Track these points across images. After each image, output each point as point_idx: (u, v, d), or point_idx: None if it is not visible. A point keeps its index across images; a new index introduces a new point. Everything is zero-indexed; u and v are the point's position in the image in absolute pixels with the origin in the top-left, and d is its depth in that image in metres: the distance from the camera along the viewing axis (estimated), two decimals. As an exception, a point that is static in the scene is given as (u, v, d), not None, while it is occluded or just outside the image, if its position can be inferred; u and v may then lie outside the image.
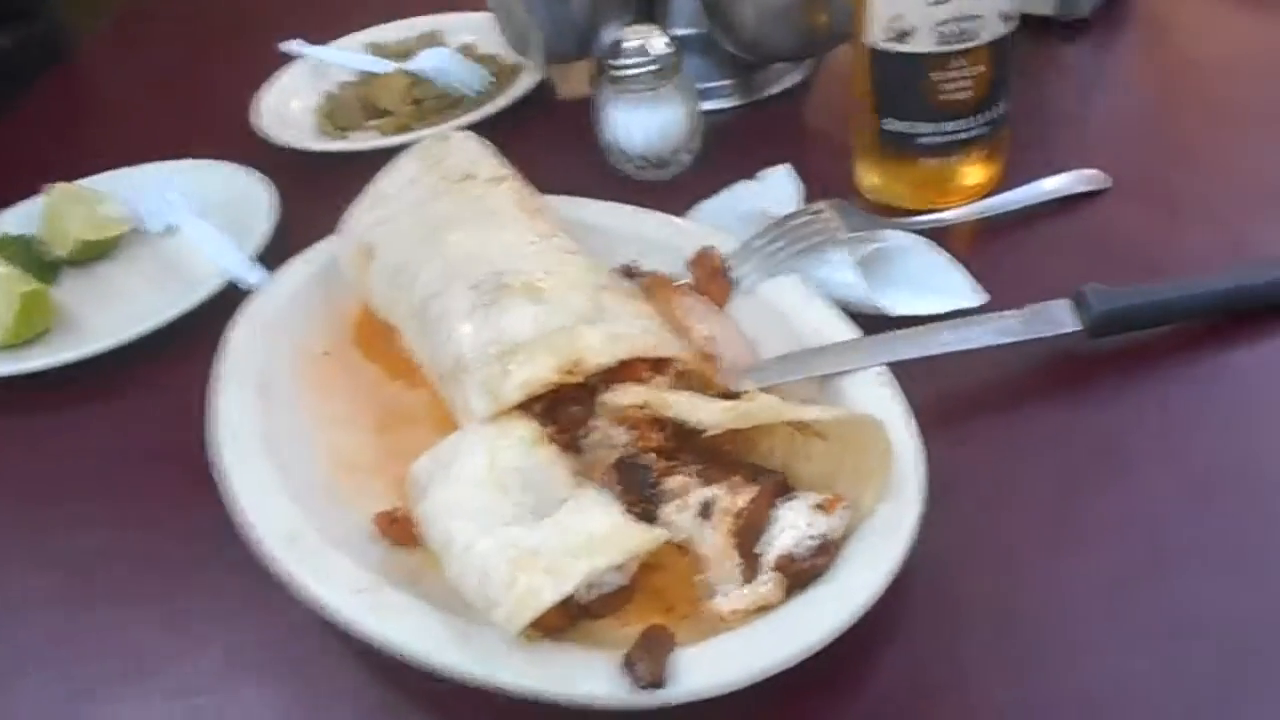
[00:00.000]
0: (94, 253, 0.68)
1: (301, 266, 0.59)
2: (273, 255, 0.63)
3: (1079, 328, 0.49)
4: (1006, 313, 0.49)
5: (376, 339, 0.55)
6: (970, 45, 0.55)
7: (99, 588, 0.48)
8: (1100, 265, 0.56)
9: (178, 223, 0.69)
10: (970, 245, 0.57)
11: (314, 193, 0.71)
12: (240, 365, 0.52)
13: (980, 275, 0.53)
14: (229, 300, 0.60)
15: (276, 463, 0.46)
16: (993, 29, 0.55)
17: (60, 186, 0.71)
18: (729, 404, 0.40)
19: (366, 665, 0.41)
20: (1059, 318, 0.49)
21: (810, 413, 0.39)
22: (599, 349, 0.43)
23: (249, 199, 0.69)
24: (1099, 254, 0.57)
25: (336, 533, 0.43)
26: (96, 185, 0.73)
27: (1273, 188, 0.60)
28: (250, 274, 0.62)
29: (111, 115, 0.91)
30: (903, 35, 0.55)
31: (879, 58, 0.57)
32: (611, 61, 0.64)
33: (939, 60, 0.55)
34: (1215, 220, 0.58)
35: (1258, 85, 0.70)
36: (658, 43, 0.64)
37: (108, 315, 0.63)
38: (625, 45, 0.64)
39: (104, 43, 1.08)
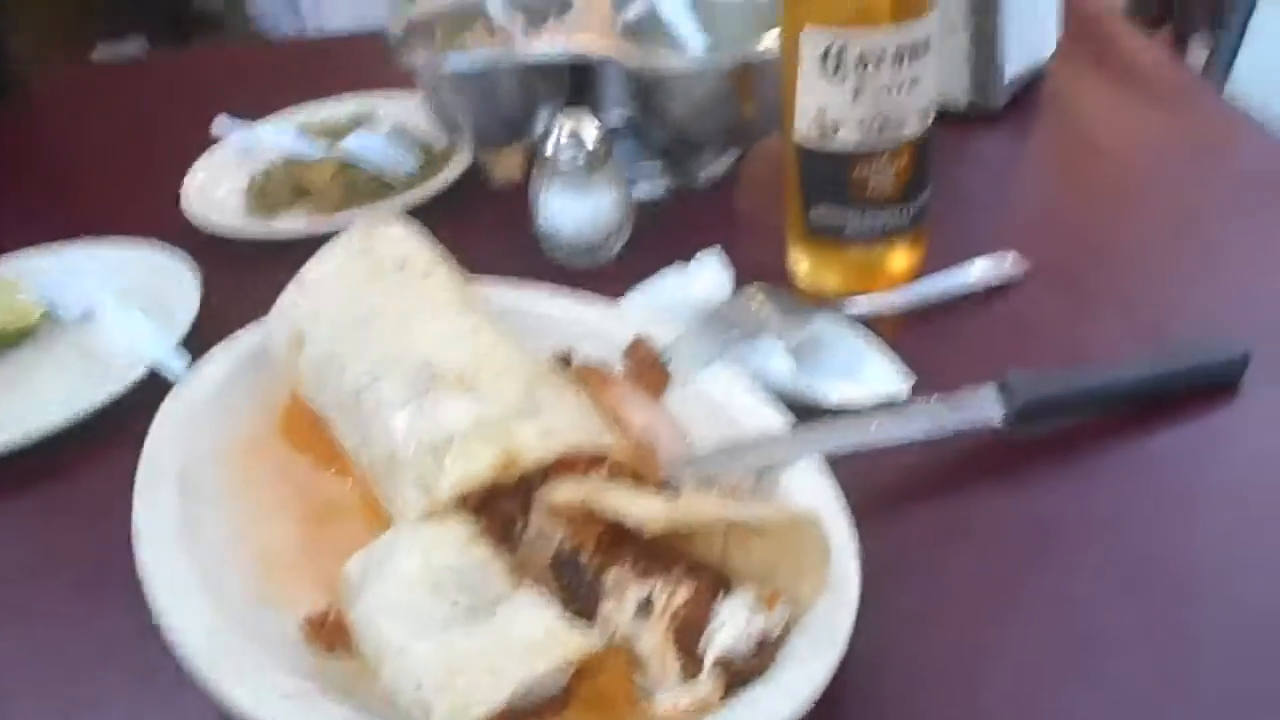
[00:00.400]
0: (6, 341, 0.66)
1: (225, 354, 0.58)
2: (197, 341, 0.62)
3: (1004, 416, 0.50)
4: (934, 401, 0.50)
5: (304, 428, 0.54)
6: (893, 141, 0.57)
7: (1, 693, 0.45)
8: (1021, 350, 0.58)
9: (96, 308, 0.67)
10: (897, 331, 0.59)
11: (240, 276, 0.70)
12: (161, 460, 0.50)
13: (907, 361, 0.55)
14: (150, 390, 0.59)
15: (198, 561, 0.45)
16: (913, 126, 0.57)
17: (-34, 274, 0.69)
18: (668, 504, 0.40)
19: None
20: (985, 406, 0.50)
21: (749, 512, 0.39)
22: (534, 445, 0.43)
23: (172, 282, 0.67)
24: (1019, 339, 0.59)
25: (264, 635, 0.42)
26: (7, 269, 0.71)
27: (1177, 275, 0.63)
28: (173, 362, 0.60)
29: (28, 191, 0.89)
30: (827, 132, 0.57)
31: (805, 153, 0.59)
32: (544, 149, 0.65)
33: (863, 156, 0.57)
34: (1127, 306, 0.61)
35: (1159, 175, 0.74)
36: (590, 130, 0.65)
37: (20, 406, 0.61)
38: (558, 133, 0.65)
39: (24, 109, 1.06)
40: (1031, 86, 0.83)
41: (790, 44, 0.57)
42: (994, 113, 0.79)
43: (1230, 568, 0.45)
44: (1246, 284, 0.62)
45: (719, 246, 0.63)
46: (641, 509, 0.40)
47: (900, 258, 0.62)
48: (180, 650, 0.41)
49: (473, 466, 0.42)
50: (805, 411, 0.51)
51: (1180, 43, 2.04)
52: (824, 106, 0.56)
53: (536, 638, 0.37)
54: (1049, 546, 0.47)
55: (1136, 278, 0.63)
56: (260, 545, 0.47)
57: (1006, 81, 0.79)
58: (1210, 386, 0.53)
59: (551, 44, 0.71)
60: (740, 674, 0.38)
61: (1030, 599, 0.44)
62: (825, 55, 0.55)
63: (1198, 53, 1.80)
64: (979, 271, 0.62)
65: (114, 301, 0.67)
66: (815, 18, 0.55)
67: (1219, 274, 0.63)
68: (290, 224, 0.75)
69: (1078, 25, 0.87)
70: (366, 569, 0.41)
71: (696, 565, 0.42)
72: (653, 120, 0.72)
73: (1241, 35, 0.94)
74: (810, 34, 0.55)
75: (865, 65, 0.55)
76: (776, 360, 0.53)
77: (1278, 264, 0.63)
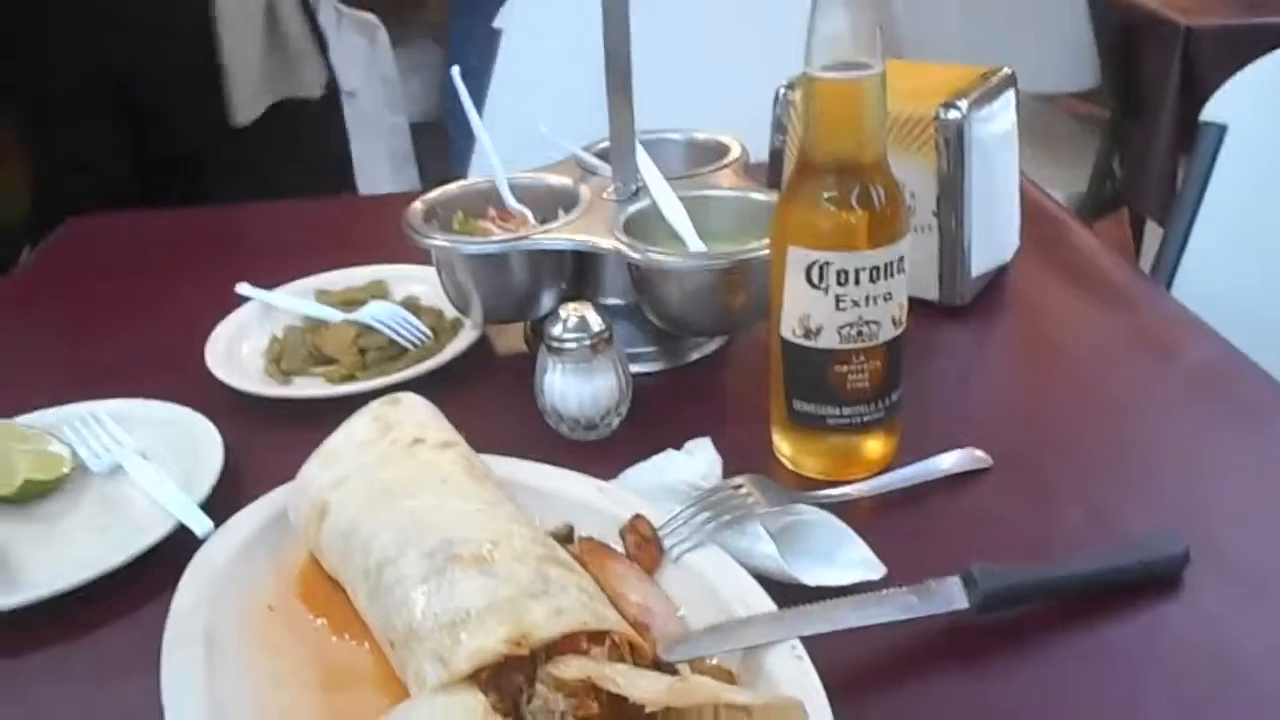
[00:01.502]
0: (36, 492, 0.69)
1: (250, 516, 0.62)
2: (219, 500, 0.66)
3: (968, 605, 0.55)
4: (904, 589, 0.55)
5: (321, 591, 0.58)
6: (868, 344, 0.63)
7: None
8: (985, 540, 0.63)
9: (123, 464, 0.71)
10: (870, 519, 0.64)
11: (260, 437, 0.75)
12: (187, 623, 0.54)
13: (879, 548, 0.60)
14: (174, 546, 0.62)
15: (224, 725, 0.48)
16: (887, 331, 0.64)
17: (2, 424, 0.73)
18: (668, 682, 0.44)
19: None
20: (950, 595, 0.55)
21: (743, 696, 0.44)
22: (544, 624, 0.47)
23: (196, 441, 0.72)
24: (983, 530, 0.64)
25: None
26: (38, 422, 0.75)
27: (1134, 470, 0.69)
28: (197, 522, 0.64)
29: (56, 343, 0.94)
30: (811, 333, 0.64)
31: (790, 349, 0.65)
32: (552, 333, 0.71)
33: (842, 355, 0.63)
34: (1084, 498, 0.66)
35: (1113, 371, 0.80)
36: (594, 318, 0.71)
37: (47, 559, 0.64)
38: (565, 319, 0.71)
39: (48, 261, 1.11)
40: (996, 282, 0.91)
41: (779, 255, 0.64)
42: (961, 308, 0.87)
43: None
44: (1190, 480, 0.67)
45: (709, 426, 0.69)
46: (643, 687, 0.44)
47: (875, 447, 0.67)
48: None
49: (488, 642, 0.46)
50: (786, 590, 0.56)
51: (1138, 223, 2.17)
52: (808, 312, 0.63)
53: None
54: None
55: (1093, 471, 0.69)
56: (279, 710, 0.51)
57: (973, 278, 0.87)
58: (1155, 579, 0.58)
59: (563, 235, 0.78)
60: None
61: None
62: (809, 269, 0.62)
63: (1154, 234, 1.92)
64: (947, 464, 0.67)
65: (140, 459, 0.71)
66: (800, 239, 0.62)
67: (1167, 468, 0.69)
68: (308, 388, 0.80)
69: (1036, 224, 0.95)
70: (385, 737, 0.45)
71: (689, 744, 0.46)
72: (650, 307, 0.78)
73: (1188, 231, 1.03)
74: (796, 252, 0.62)
75: (845, 280, 0.61)
76: (761, 544, 0.58)
77: (1216, 461, 0.69)
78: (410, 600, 0.50)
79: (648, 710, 0.45)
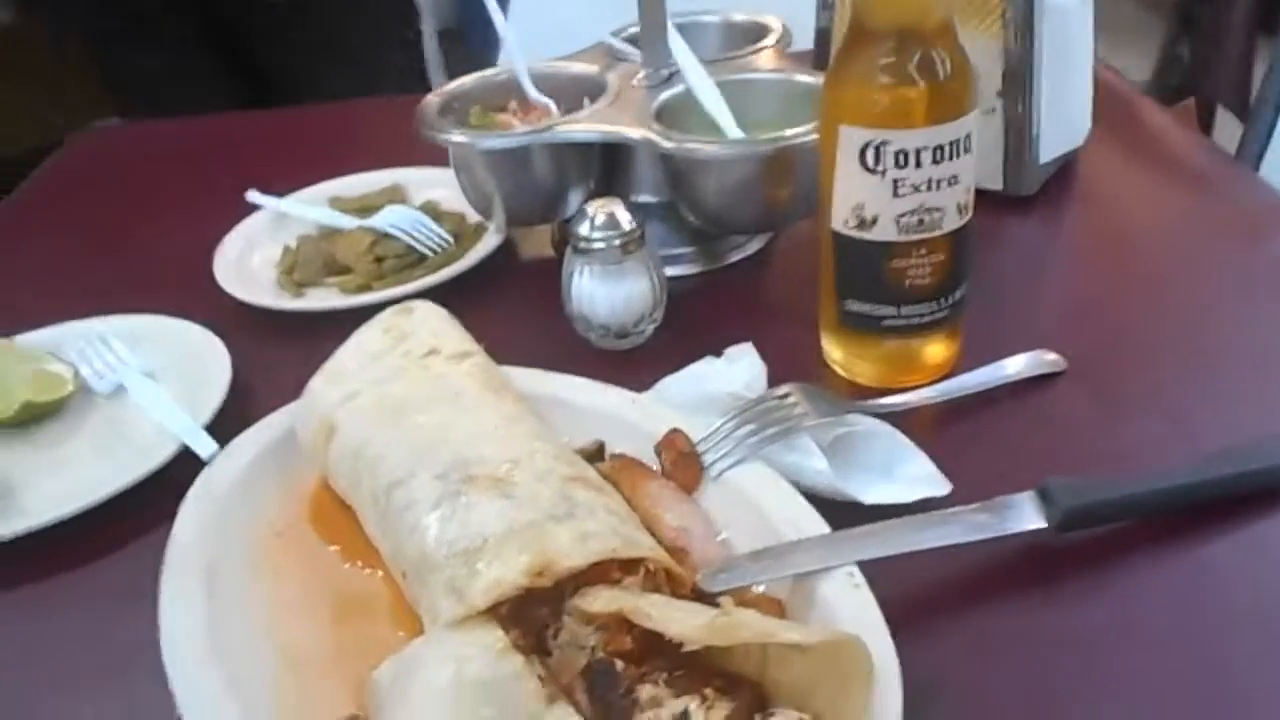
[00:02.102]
0: (37, 414, 0.66)
1: (255, 437, 0.58)
2: (226, 420, 0.62)
3: (1045, 524, 0.49)
4: (973, 507, 0.49)
5: (333, 516, 0.54)
6: (930, 235, 0.56)
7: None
8: (1060, 452, 0.57)
9: (126, 384, 0.67)
10: (933, 429, 0.58)
11: (271, 353, 0.70)
12: (188, 551, 0.50)
13: (943, 461, 0.54)
14: (180, 468, 0.58)
15: (224, 666, 0.44)
16: (951, 220, 0.57)
17: (0, 343, 0.69)
18: (709, 619, 0.39)
19: None
20: (1025, 513, 0.49)
21: (795, 634, 0.38)
22: (569, 551, 0.42)
23: (202, 359, 0.67)
24: (1057, 440, 0.58)
25: (288, 743, 0.41)
26: (39, 341, 0.71)
27: (1214, 373, 0.62)
28: (201, 443, 0.60)
29: (58, 261, 0.89)
30: (865, 224, 0.57)
31: (842, 242, 0.58)
32: (578, 233, 0.65)
33: (900, 248, 0.57)
34: (1167, 406, 0.59)
35: (1196, 264, 0.73)
36: (624, 216, 0.65)
37: (48, 484, 0.60)
38: (592, 217, 0.65)
39: (49, 180, 1.07)
40: (1064, 170, 0.83)
41: (828, 137, 0.57)
42: (1027, 198, 0.79)
43: (1283, 688, 0.44)
44: (1286, 383, 0.61)
45: (751, 334, 0.63)
46: (681, 623, 0.39)
47: (936, 351, 0.61)
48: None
49: (507, 573, 0.42)
50: (840, 509, 0.50)
51: (1206, 115, 2.04)
52: (862, 200, 0.56)
53: (572, 763, 0.36)
54: (1094, 662, 0.45)
55: (1176, 375, 0.62)
56: (286, 643, 0.47)
57: (1041, 165, 0.79)
58: (1258, 493, 0.52)
59: (588, 125, 0.72)
60: (779, 802, 0.37)
61: (1074, 716, 0.43)
62: (863, 151, 0.55)
63: (1223, 127, 1.80)
64: (1015, 368, 0.61)
65: (143, 378, 0.67)
66: (853, 117, 0.55)
67: (1257, 371, 0.62)
68: (322, 299, 0.75)
69: (1108, 107, 0.87)
70: (396, 678, 0.40)
71: (734, 679, 0.41)
72: (685, 204, 0.72)
73: (1275, 118, 0.94)
74: (849, 131, 0.55)
75: (904, 162, 0.54)
76: (812, 459, 0.52)
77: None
78: (422, 526, 0.45)
79: (686, 648, 0.40)
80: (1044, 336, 0.64)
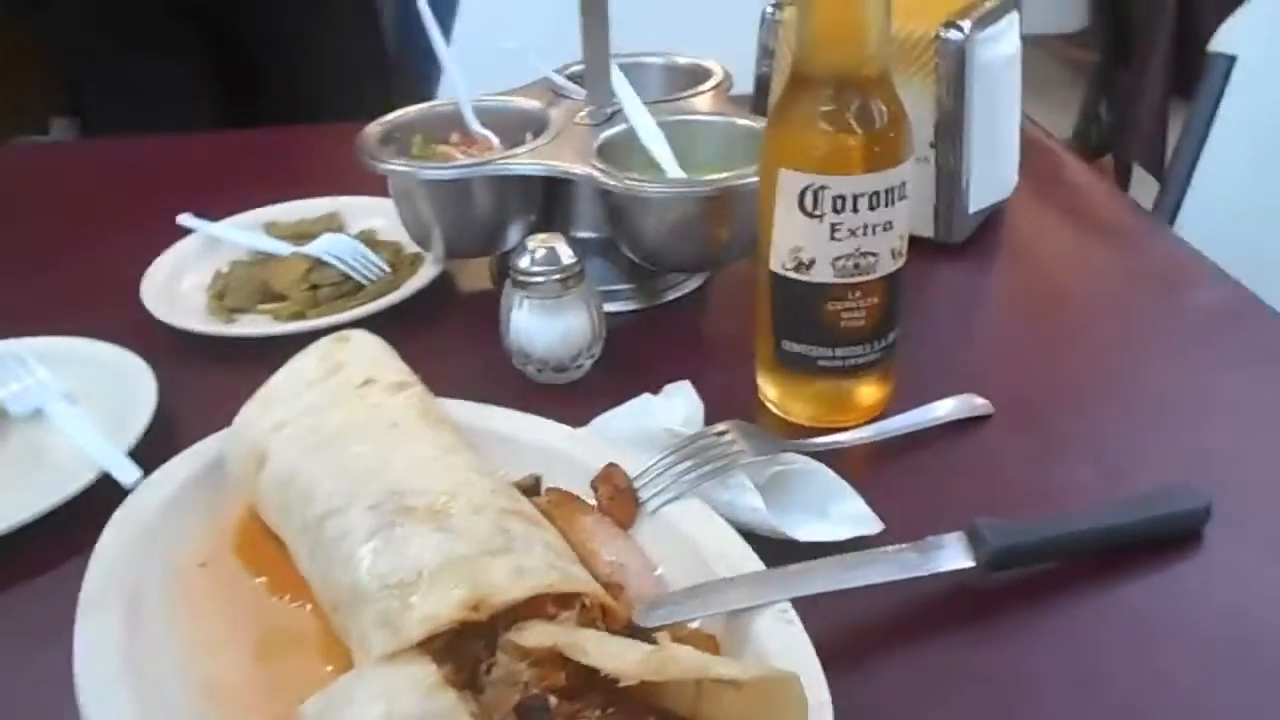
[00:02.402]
0: (-49, 435, 0.63)
1: (181, 465, 0.56)
2: (152, 444, 0.60)
3: (974, 563, 0.50)
4: (904, 546, 0.50)
5: (260, 548, 0.53)
6: (866, 279, 0.58)
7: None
8: (988, 494, 0.58)
9: (45, 407, 0.65)
10: (865, 469, 0.59)
11: (199, 379, 0.69)
12: (107, 583, 0.48)
13: (875, 501, 0.55)
14: (100, 496, 0.57)
15: (141, 700, 0.42)
16: (886, 265, 0.58)
17: (-85, 360, 0.66)
18: (645, 654, 0.39)
19: None
20: (955, 553, 0.50)
21: (730, 669, 0.39)
22: (505, 585, 0.42)
23: (127, 384, 0.66)
24: (986, 483, 0.59)
25: (208, 782, 0.39)
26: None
27: (1145, 419, 0.64)
28: (123, 470, 0.58)
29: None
30: (803, 266, 0.58)
31: (780, 284, 0.59)
32: (518, 266, 0.65)
33: (836, 290, 0.58)
34: (1094, 451, 0.61)
35: (1117, 315, 0.76)
36: (564, 251, 0.65)
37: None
38: (532, 251, 0.65)
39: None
40: (992, 220, 0.85)
41: (768, 181, 0.58)
42: (957, 245, 0.81)
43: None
44: (1206, 429, 0.63)
45: (688, 370, 0.63)
46: (617, 659, 0.39)
47: (869, 392, 0.62)
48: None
49: (441, 606, 0.41)
50: (774, 547, 0.51)
51: (1123, 173, 2.12)
52: (800, 244, 0.57)
53: (504, 801, 0.35)
54: (1020, 700, 0.46)
55: (1101, 420, 0.64)
56: (209, 677, 0.45)
57: (970, 215, 0.81)
58: (1174, 536, 0.53)
59: (530, 160, 0.72)
60: (712, 841, 0.36)
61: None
62: (802, 195, 0.56)
63: (1139, 184, 1.88)
64: (945, 410, 0.62)
65: (64, 401, 0.65)
66: (793, 162, 0.56)
67: (1179, 417, 0.64)
68: (254, 326, 0.74)
69: (1033, 161, 0.90)
70: (323, 713, 0.39)
71: (667, 716, 0.41)
72: (625, 241, 0.72)
73: (1190, 178, 0.98)
74: (789, 175, 0.56)
75: (841, 207, 0.56)
76: (746, 496, 0.53)
77: (1232, 409, 0.65)
78: (355, 558, 0.44)
79: (622, 684, 0.40)
80: (972, 381, 0.65)
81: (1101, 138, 2.15)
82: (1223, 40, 0.99)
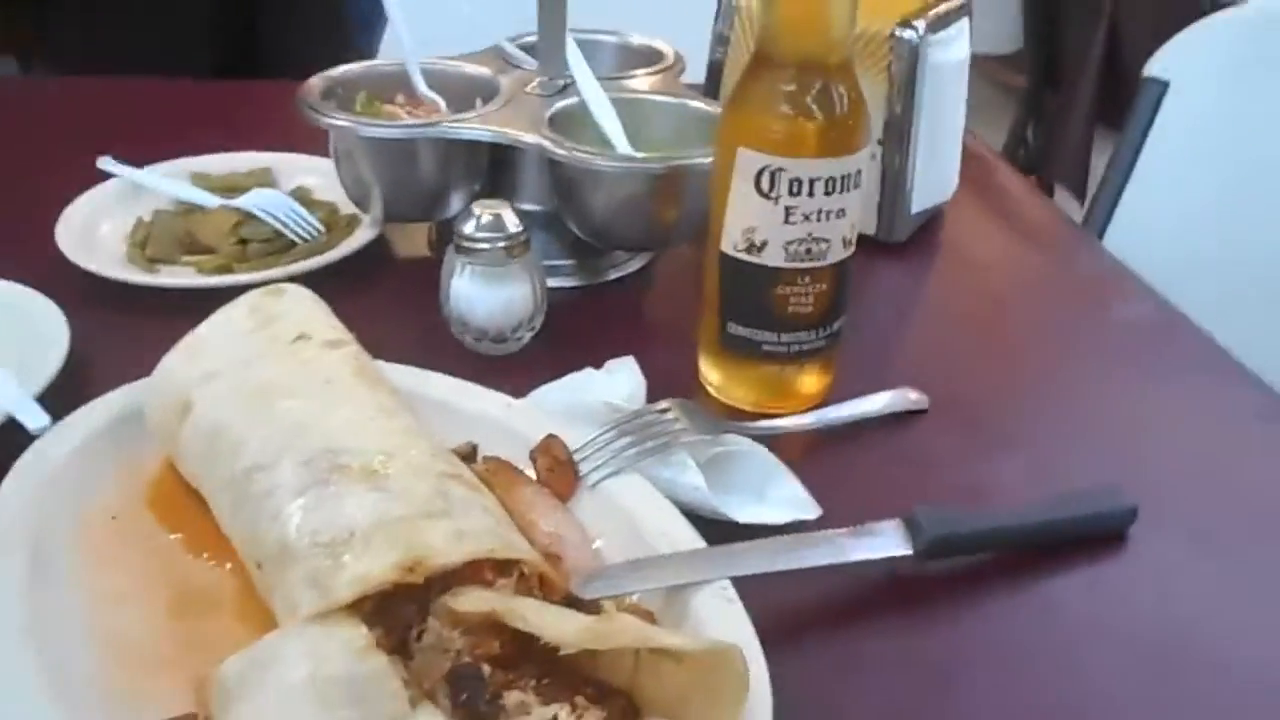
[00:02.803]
0: None
1: (93, 413, 0.53)
2: (60, 396, 0.57)
3: (910, 551, 0.50)
4: (843, 531, 0.50)
5: (177, 503, 0.50)
6: (816, 265, 0.58)
7: None
8: (923, 484, 0.59)
9: (-53, 347, 0.61)
10: (803, 456, 0.58)
11: (115, 329, 0.66)
12: (9, 531, 0.45)
13: (813, 486, 0.54)
14: (3, 441, 0.53)
15: (41, 653, 0.40)
16: (836, 252, 0.58)
17: None
18: (586, 622, 0.38)
19: None
20: (892, 540, 0.50)
21: (673, 640, 0.38)
22: (443, 548, 0.40)
23: (36, 327, 0.62)
24: (921, 474, 0.60)
25: (114, 741, 0.37)
26: None
27: (1073, 421, 0.65)
28: (31, 416, 0.55)
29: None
30: (754, 248, 0.57)
31: (730, 265, 0.59)
32: (463, 232, 0.63)
33: (787, 275, 0.58)
34: (1025, 449, 0.62)
35: (1054, 323, 0.77)
36: (510, 219, 0.64)
37: None
38: (478, 217, 0.63)
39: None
40: (932, 222, 0.86)
41: (725, 160, 0.57)
42: (898, 244, 0.82)
43: (1119, 714, 0.46)
44: (1131, 434, 0.64)
45: (629, 349, 0.62)
46: (558, 627, 0.38)
47: (811, 380, 0.62)
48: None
49: (374, 567, 0.39)
50: (712, 526, 0.50)
51: (1047, 193, 2.18)
52: (754, 224, 0.57)
53: (437, 768, 0.34)
54: (949, 683, 0.47)
55: (1032, 420, 0.65)
56: (117, 634, 0.43)
57: (912, 215, 0.82)
58: (1102, 535, 0.54)
59: (480, 125, 0.70)
60: (647, 815, 0.36)
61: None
62: (759, 175, 0.56)
63: (1061, 205, 1.93)
64: (882, 403, 0.63)
65: (-32, 342, 0.61)
66: (752, 141, 0.55)
67: (1105, 420, 0.65)
68: (177, 277, 0.71)
69: (971, 169, 0.91)
70: (245, 674, 0.37)
71: (603, 688, 0.40)
72: (572, 216, 0.71)
73: (1118, 199, 1.01)
74: (746, 155, 0.56)
75: (797, 190, 0.55)
76: (688, 474, 0.52)
77: (1154, 415, 0.66)
78: (284, 514, 0.42)
79: (561, 653, 0.38)
80: (908, 376, 0.66)
81: (1028, 159, 2.21)
82: (1156, 66, 1.02)
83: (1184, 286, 0.80)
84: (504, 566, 0.43)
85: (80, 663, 0.41)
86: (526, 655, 0.41)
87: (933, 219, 0.87)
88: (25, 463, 0.49)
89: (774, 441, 0.57)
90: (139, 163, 0.82)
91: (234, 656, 0.38)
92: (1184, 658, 0.49)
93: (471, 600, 0.40)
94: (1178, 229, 0.98)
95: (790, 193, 0.56)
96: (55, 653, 0.40)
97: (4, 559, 0.44)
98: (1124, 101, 1.08)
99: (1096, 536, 0.54)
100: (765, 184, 0.56)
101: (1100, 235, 1.01)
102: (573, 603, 0.44)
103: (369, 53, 1.16)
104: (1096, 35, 1.84)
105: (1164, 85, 0.99)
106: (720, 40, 0.86)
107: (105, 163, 0.81)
